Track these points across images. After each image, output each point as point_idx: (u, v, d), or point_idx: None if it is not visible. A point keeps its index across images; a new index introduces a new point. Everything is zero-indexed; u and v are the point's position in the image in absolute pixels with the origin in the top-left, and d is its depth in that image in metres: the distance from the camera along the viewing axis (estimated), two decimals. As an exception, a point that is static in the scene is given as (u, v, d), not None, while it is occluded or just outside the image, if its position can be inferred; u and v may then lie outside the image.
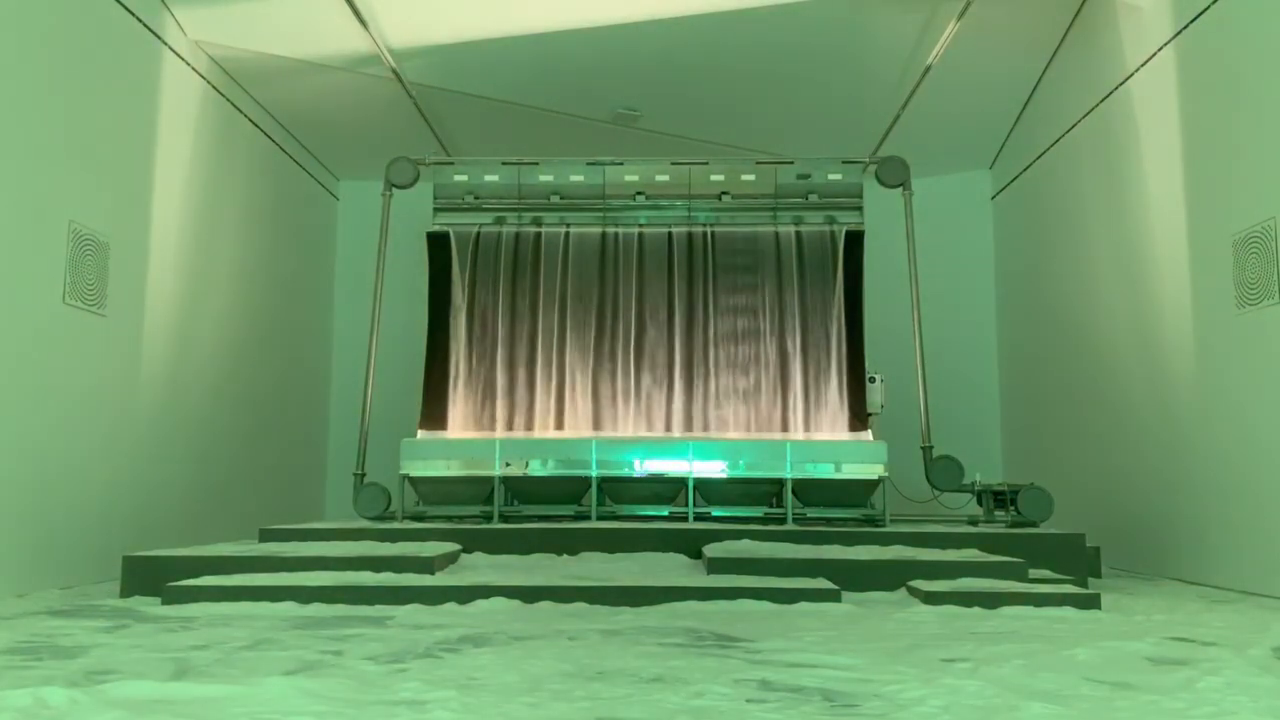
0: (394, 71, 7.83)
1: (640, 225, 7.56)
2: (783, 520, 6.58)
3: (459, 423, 7.17)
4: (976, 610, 4.63)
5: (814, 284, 7.36)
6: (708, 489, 6.81)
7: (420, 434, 7.11)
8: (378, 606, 4.66)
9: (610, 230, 7.55)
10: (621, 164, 7.62)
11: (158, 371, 6.77)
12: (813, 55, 7.84)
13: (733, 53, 7.74)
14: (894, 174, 7.51)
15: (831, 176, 7.55)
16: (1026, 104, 8.79)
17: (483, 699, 2.76)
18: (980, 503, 6.92)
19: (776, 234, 7.48)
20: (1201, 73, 6.10)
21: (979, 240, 9.95)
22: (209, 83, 7.49)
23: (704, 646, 3.65)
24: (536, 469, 6.73)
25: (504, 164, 7.62)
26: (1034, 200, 8.83)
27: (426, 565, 5.22)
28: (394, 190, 7.64)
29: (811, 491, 6.74)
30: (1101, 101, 7.37)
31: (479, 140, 9.17)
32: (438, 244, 7.51)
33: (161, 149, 6.80)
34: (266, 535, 6.21)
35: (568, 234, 7.54)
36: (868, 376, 7.22)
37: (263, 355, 8.52)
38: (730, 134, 9.00)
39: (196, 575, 5.11)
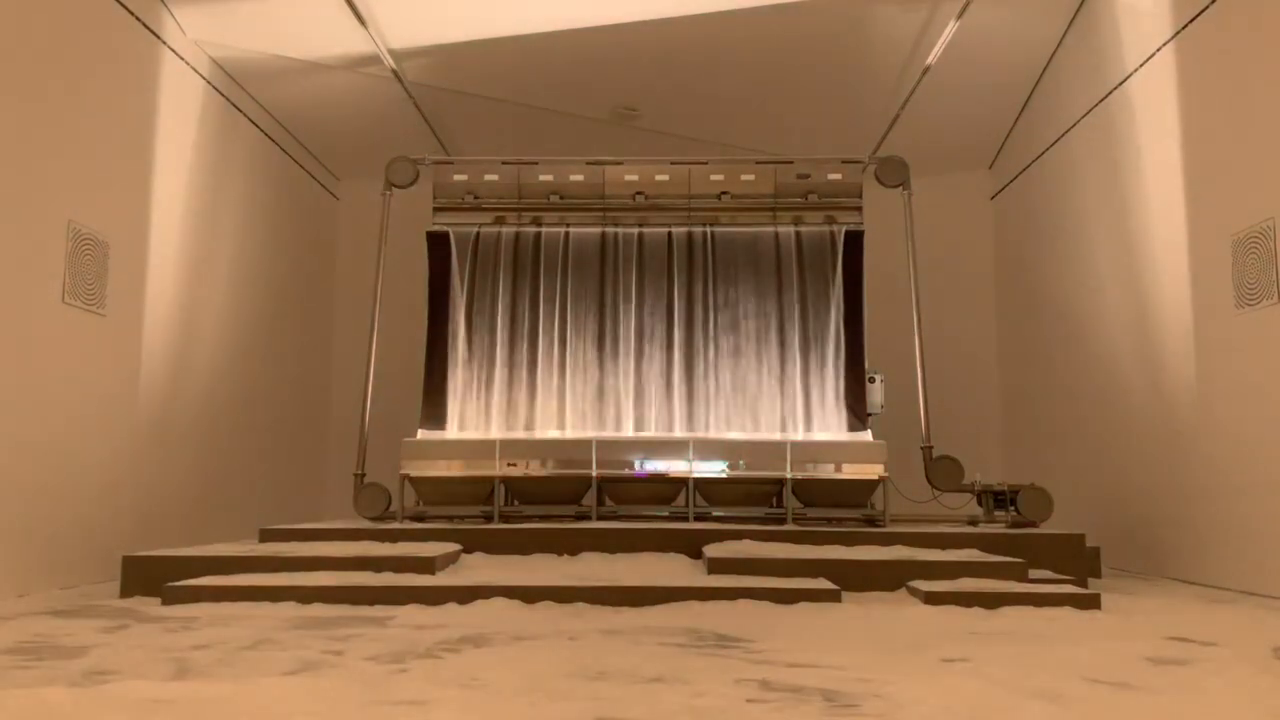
0: (394, 71, 7.83)
1: (640, 225, 7.56)
2: (783, 520, 6.58)
3: (459, 423, 7.18)
4: (976, 610, 4.64)
5: (814, 284, 7.36)
6: (708, 489, 6.81)
7: (420, 434, 7.11)
8: (378, 606, 4.66)
9: (610, 230, 7.55)
10: (621, 164, 7.62)
11: (157, 371, 6.77)
12: (812, 55, 7.85)
13: (732, 52, 7.74)
14: (894, 174, 7.51)
15: (831, 176, 7.55)
16: (1026, 104, 8.80)
17: (483, 699, 2.76)
18: (980, 503, 6.92)
19: (776, 234, 7.48)
20: (1201, 73, 6.10)
21: (979, 240, 9.95)
22: (209, 83, 7.49)
23: (704, 646, 3.65)
24: (536, 469, 6.73)
25: (504, 164, 7.62)
26: (1034, 200, 8.84)
27: (427, 565, 5.22)
28: (394, 190, 7.65)
29: (811, 491, 6.75)
30: (1101, 101, 7.37)
31: (479, 140, 9.17)
32: (437, 244, 7.51)
33: (161, 149, 6.80)
34: (267, 535, 6.21)
35: (567, 234, 7.54)
36: (868, 376, 7.23)
37: (263, 355, 8.53)
38: (730, 134, 9.00)
39: (196, 575, 5.11)
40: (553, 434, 7.12)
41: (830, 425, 7.10)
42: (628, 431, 7.12)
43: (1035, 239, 8.83)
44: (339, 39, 7.39)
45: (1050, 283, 8.46)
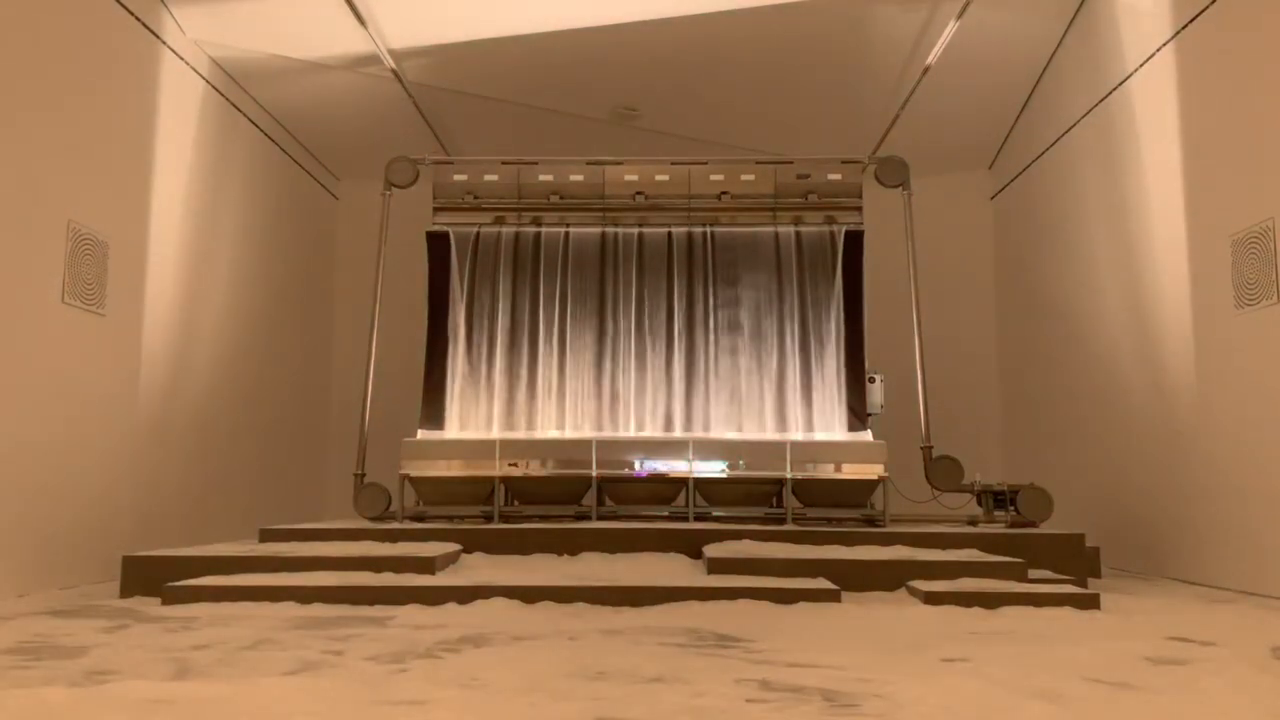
0: (394, 71, 7.83)
1: (640, 225, 7.56)
2: (783, 520, 6.58)
3: (459, 423, 7.18)
4: (976, 610, 4.63)
5: (814, 284, 7.36)
6: (708, 489, 6.81)
7: (420, 434, 7.11)
8: (378, 606, 4.66)
9: (610, 230, 7.55)
10: (621, 164, 7.62)
11: (157, 371, 6.77)
12: (812, 55, 7.85)
13: (732, 52, 7.74)
14: (894, 174, 7.51)
15: (831, 176, 7.55)
16: (1026, 104, 8.80)
17: (483, 699, 2.76)
18: (980, 503, 6.92)
19: (776, 234, 7.48)
20: (1201, 73, 6.10)
21: (979, 240, 9.95)
22: (209, 83, 7.49)
23: (704, 646, 3.65)
24: (536, 469, 6.73)
25: (503, 163, 7.62)
26: (1034, 200, 8.83)
27: (427, 565, 5.22)
28: (394, 190, 7.65)
29: (811, 491, 6.75)
30: (1101, 101, 7.37)
31: (479, 140, 9.17)
32: (437, 244, 7.52)
33: (161, 148, 6.80)
34: (266, 535, 6.21)
35: (567, 234, 7.54)
36: (868, 376, 7.23)
37: (263, 355, 8.53)
38: (730, 134, 9.00)
39: (196, 575, 5.11)
40: (553, 434, 7.12)
41: (830, 425, 7.10)
42: (628, 431, 7.12)
43: (1035, 239, 8.83)
44: (339, 39, 7.39)
45: (1050, 283, 8.46)
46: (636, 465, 6.73)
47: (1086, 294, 7.73)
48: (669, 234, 7.54)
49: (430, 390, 7.27)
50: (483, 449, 6.75)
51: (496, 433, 7.08)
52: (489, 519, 6.67)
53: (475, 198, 7.60)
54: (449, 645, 3.64)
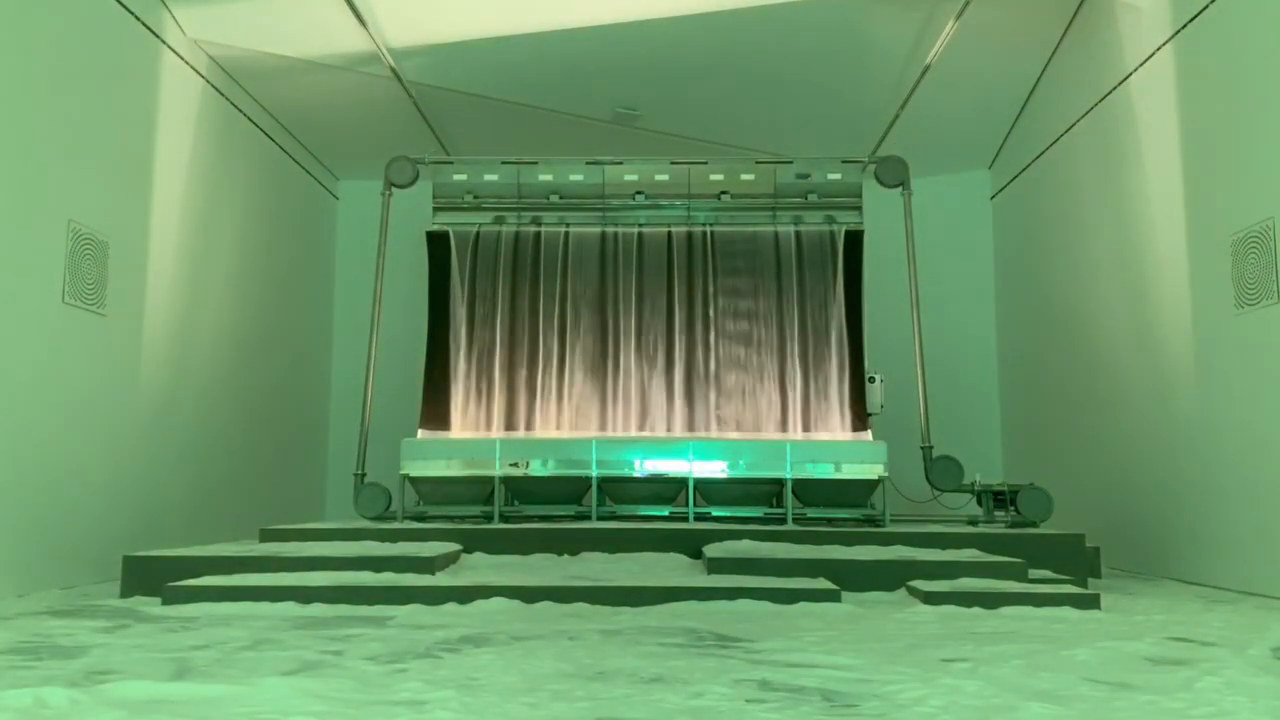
0: (393, 71, 7.83)
1: (640, 225, 7.56)
2: (783, 520, 6.58)
3: (459, 423, 7.18)
4: (976, 610, 4.63)
5: (814, 284, 7.36)
6: (708, 489, 6.81)
7: (420, 434, 7.11)
8: (378, 606, 4.66)
9: (610, 230, 7.55)
10: (621, 163, 7.62)
11: (157, 371, 6.77)
12: (812, 55, 7.84)
13: (732, 53, 7.74)
14: (893, 174, 7.51)
15: (831, 176, 7.55)
16: (1026, 104, 8.80)
17: (483, 699, 2.76)
18: (980, 503, 6.92)
19: (776, 234, 7.48)
20: (1200, 72, 6.10)
21: (979, 240, 9.95)
22: (209, 82, 7.49)
23: (704, 646, 3.65)
24: (537, 469, 6.73)
25: (503, 163, 7.62)
26: (1033, 200, 8.83)
27: (427, 565, 5.22)
28: (394, 190, 7.64)
29: (811, 491, 6.74)
30: (1100, 101, 7.37)
31: (479, 140, 9.17)
32: (437, 243, 7.52)
33: (161, 148, 6.80)
34: (266, 535, 6.21)
35: (567, 234, 7.54)
36: (868, 376, 7.23)
37: (262, 355, 8.52)
38: (730, 134, 9.00)
39: (196, 575, 5.11)
40: (553, 434, 7.12)
41: (831, 425, 7.10)
42: (628, 431, 7.12)
43: (1035, 239, 8.83)
44: (339, 39, 7.38)
45: (1050, 283, 8.46)
46: (636, 465, 6.73)
47: (1086, 294, 7.73)
48: (669, 234, 7.54)
49: (430, 390, 7.27)
50: (483, 449, 6.75)
51: (496, 433, 7.08)
52: (489, 519, 6.67)
53: (475, 198, 7.60)
54: (449, 645, 3.64)
